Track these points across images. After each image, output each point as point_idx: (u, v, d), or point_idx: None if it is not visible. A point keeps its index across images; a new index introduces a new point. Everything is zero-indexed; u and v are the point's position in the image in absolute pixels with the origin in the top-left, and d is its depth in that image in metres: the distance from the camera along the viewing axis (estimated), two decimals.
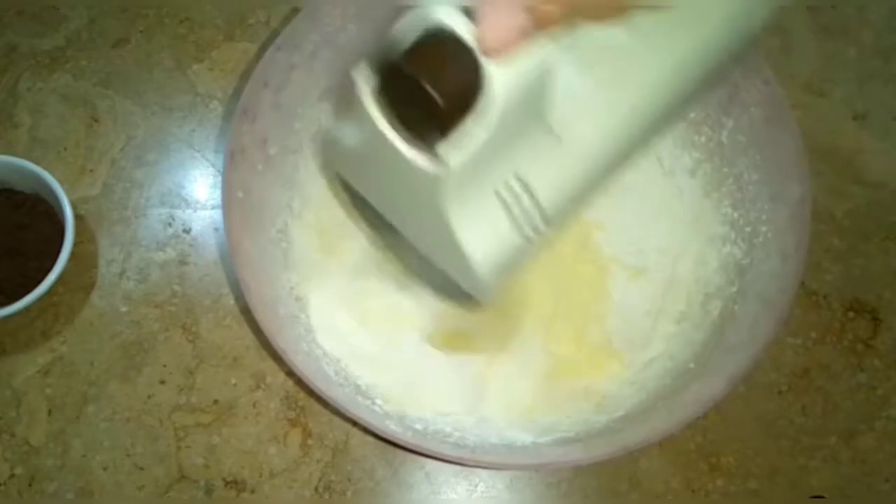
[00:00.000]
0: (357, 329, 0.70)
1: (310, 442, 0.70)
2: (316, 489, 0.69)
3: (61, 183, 0.69)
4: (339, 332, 0.69)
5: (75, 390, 0.70)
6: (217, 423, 0.70)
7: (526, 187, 0.47)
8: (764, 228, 0.66)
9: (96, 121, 0.78)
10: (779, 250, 0.63)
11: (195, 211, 0.75)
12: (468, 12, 0.40)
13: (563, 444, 0.63)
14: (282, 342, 0.60)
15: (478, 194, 0.46)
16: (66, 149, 0.77)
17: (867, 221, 0.76)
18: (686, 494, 0.69)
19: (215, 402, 0.71)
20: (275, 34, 0.65)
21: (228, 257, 0.62)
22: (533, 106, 0.44)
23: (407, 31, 0.41)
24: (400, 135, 0.44)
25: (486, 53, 0.40)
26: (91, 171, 0.76)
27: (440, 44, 0.40)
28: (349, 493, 0.69)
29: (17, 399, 0.70)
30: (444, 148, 0.42)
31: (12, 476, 0.68)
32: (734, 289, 0.67)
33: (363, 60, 0.45)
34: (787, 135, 0.64)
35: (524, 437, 0.65)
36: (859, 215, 0.76)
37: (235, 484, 0.69)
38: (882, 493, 0.69)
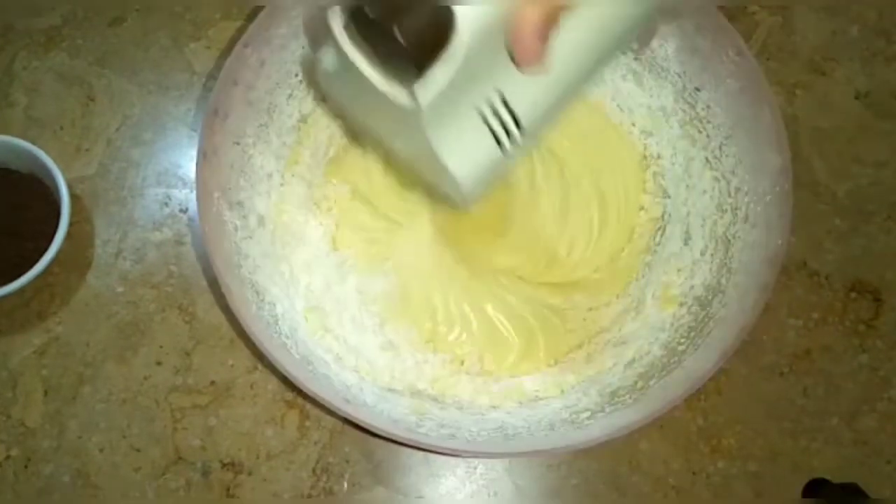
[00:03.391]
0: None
1: (307, 423, 0.69)
2: (313, 471, 0.68)
3: (57, 162, 0.68)
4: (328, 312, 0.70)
5: (71, 371, 0.70)
6: (214, 405, 0.70)
7: (504, 103, 0.51)
8: (746, 199, 0.65)
9: (92, 100, 0.77)
10: (763, 221, 0.63)
11: (192, 191, 0.75)
12: None
13: (555, 428, 0.62)
14: (265, 342, 0.59)
15: (457, 114, 0.50)
16: (62, 128, 0.76)
17: (869, 201, 0.76)
18: (687, 476, 0.69)
19: (212, 383, 0.70)
20: (255, 15, 0.65)
21: (207, 258, 0.62)
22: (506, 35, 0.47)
23: None
24: (376, 69, 0.47)
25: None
26: (87, 150, 0.76)
27: None
28: (347, 475, 0.68)
29: (12, 380, 0.70)
30: (417, 85, 0.45)
31: (8, 458, 0.68)
32: (719, 260, 0.66)
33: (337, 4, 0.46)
34: (763, 105, 0.64)
35: (518, 422, 0.65)
36: (861, 195, 0.76)
37: (232, 466, 0.68)
38: (884, 475, 0.69)
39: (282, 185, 0.71)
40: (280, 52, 0.68)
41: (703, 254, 0.68)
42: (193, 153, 0.75)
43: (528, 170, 0.73)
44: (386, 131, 0.56)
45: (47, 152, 0.69)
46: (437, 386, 0.68)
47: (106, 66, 0.79)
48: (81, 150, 0.76)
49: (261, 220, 0.69)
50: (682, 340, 0.65)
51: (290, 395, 0.70)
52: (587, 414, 0.63)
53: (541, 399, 0.67)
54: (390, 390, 0.67)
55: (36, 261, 0.67)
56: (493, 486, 0.69)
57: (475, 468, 0.69)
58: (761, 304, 0.59)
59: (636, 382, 0.64)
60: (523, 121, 0.52)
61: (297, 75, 0.70)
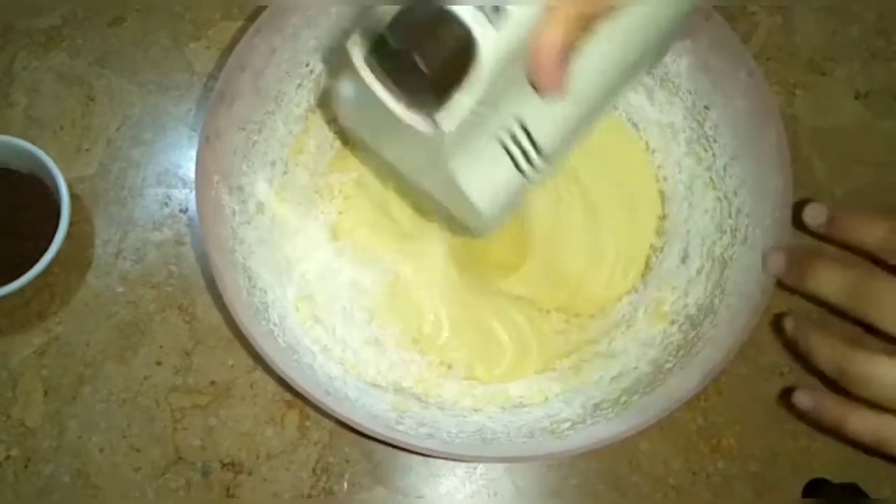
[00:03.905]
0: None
1: (307, 423, 0.69)
2: (313, 471, 0.68)
3: (57, 162, 0.68)
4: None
5: (71, 371, 0.70)
6: (214, 405, 0.70)
7: (524, 130, 0.51)
8: (746, 221, 0.65)
9: (92, 100, 0.77)
10: (761, 244, 0.63)
11: (192, 191, 0.74)
12: None
13: (534, 436, 0.63)
14: (251, 328, 0.59)
15: (478, 142, 0.50)
16: (62, 128, 0.76)
17: (869, 201, 0.75)
18: (687, 476, 0.69)
19: (212, 383, 0.70)
20: (257, 14, 0.65)
21: (207, 257, 0.62)
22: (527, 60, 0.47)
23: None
24: (396, 99, 0.46)
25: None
26: (87, 150, 0.76)
27: (427, 13, 0.42)
28: (347, 475, 0.68)
29: (12, 380, 0.70)
30: (440, 112, 0.45)
31: (8, 458, 0.68)
32: (714, 281, 0.66)
33: (355, 30, 0.46)
34: (770, 127, 0.64)
35: (498, 427, 0.65)
36: (861, 195, 0.76)
37: (232, 466, 0.68)
38: (884, 475, 0.69)
39: (284, 173, 0.71)
40: (292, 41, 0.67)
41: (699, 273, 0.68)
42: (193, 153, 0.75)
43: (553, 200, 0.73)
44: (404, 162, 0.56)
45: (47, 152, 0.69)
46: (422, 386, 0.68)
47: (106, 66, 0.78)
48: (81, 150, 0.76)
49: (260, 207, 0.69)
50: (670, 358, 0.64)
51: (289, 396, 0.70)
52: (567, 424, 0.63)
53: (524, 406, 0.67)
54: (374, 385, 0.67)
55: (36, 261, 0.67)
56: (493, 486, 0.69)
57: (475, 468, 0.69)
58: (751, 327, 0.59)
59: (620, 397, 0.64)
60: (544, 147, 0.52)
61: (307, 65, 0.70)
